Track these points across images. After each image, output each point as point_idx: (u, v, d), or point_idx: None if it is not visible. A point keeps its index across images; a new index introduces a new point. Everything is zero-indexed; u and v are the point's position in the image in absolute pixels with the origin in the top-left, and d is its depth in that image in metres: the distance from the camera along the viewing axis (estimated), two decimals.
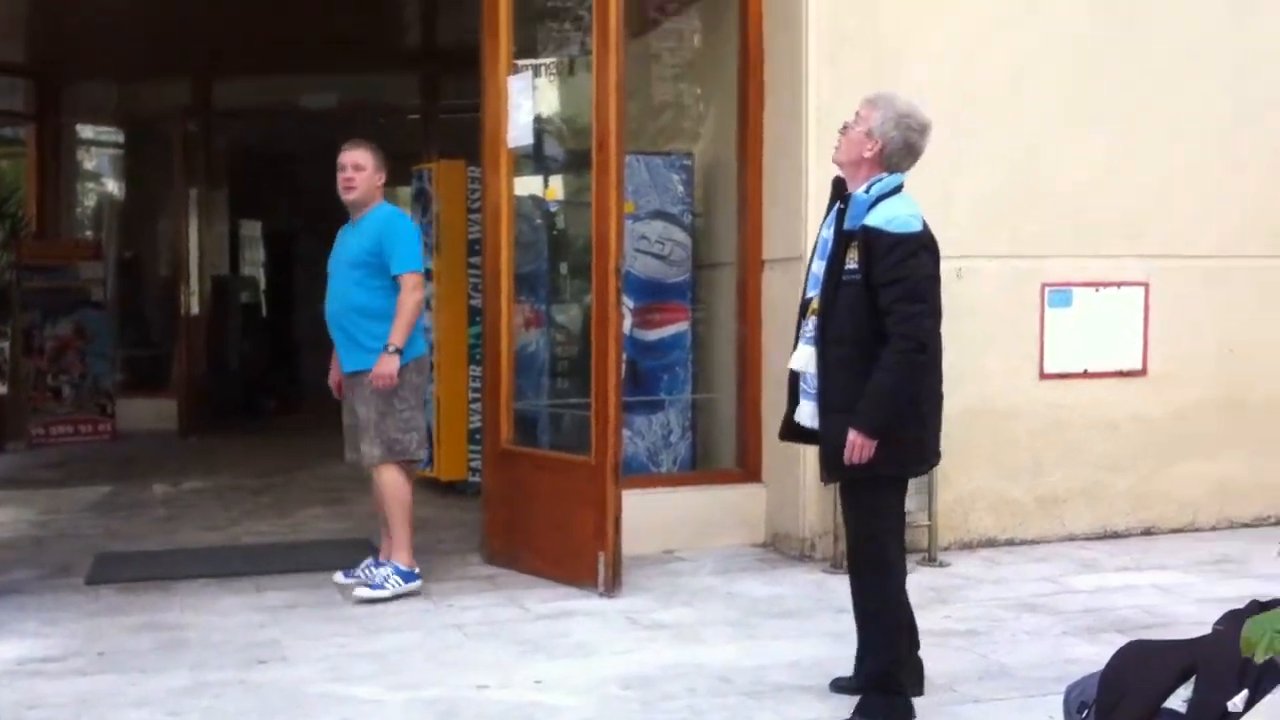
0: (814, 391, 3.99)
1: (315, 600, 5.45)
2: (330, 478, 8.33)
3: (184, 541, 6.73)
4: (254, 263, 15.28)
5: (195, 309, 11.39)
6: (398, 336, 5.41)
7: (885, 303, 3.78)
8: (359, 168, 5.59)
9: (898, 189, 3.94)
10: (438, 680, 4.36)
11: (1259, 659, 2.76)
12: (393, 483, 5.54)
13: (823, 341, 3.92)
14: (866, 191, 3.92)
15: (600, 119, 5.49)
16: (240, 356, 12.93)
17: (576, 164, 6.95)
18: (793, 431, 4.19)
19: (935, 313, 3.87)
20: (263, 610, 5.28)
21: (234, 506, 7.72)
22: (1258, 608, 3.31)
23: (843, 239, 3.91)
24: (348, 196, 5.62)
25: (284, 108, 12.50)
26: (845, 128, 4.06)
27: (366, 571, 5.60)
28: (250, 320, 13.75)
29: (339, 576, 5.67)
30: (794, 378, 4.13)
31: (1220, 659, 3.31)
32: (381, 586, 5.44)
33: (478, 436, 6.94)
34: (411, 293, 5.48)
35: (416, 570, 5.54)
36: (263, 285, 15.23)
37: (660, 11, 7.80)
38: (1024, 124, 6.42)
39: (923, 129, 4.04)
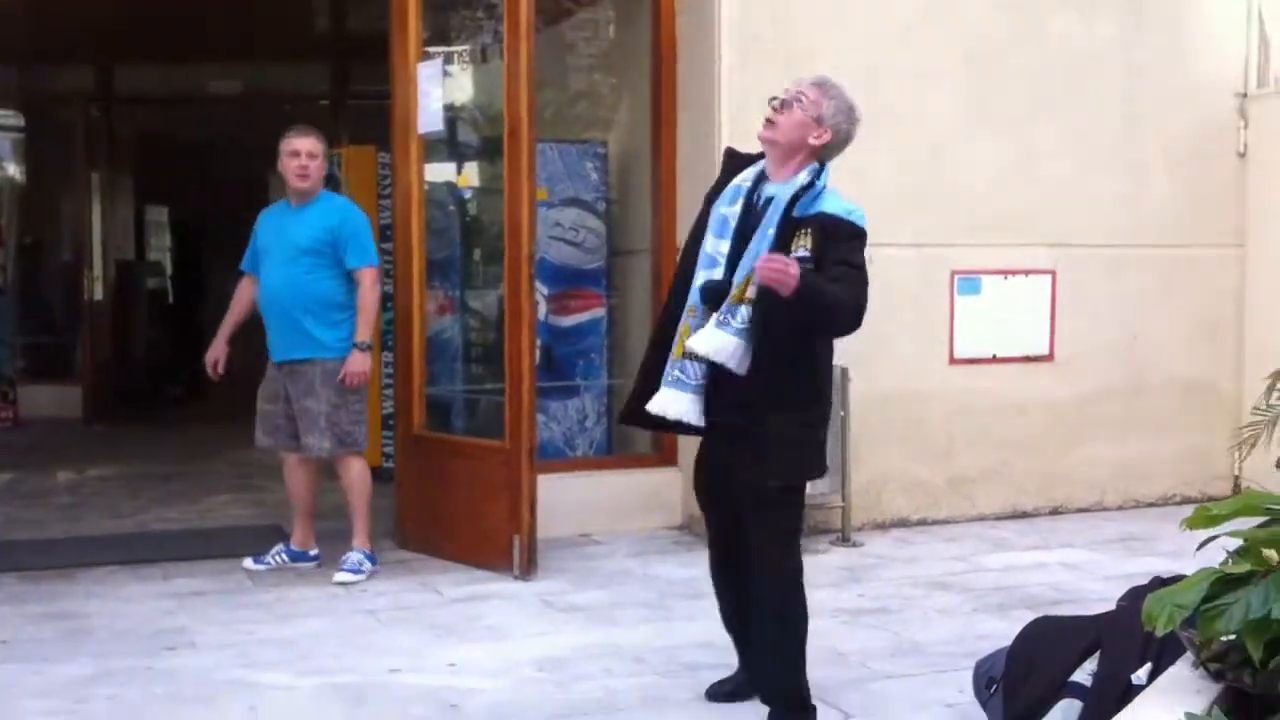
0: (702, 383, 3.63)
1: (224, 587, 5.36)
2: (239, 464, 8.21)
3: (89, 529, 6.59)
4: (160, 249, 14.99)
5: (99, 295, 11.14)
6: (366, 332, 5.46)
7: (834, 275, 3.56)
8: (313, 156, 5.52)
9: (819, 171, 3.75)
10: (349, 665, 4.32)
11: (1160, 633, 2.82)
12: (361, 474, 5.58)
13: (763, 332, 3.55)
14: (814, 180, 3.69)
15: (512, 106, 5.47)
16: (146, 343, 12.68)
17: (490, 151, 6.92)
18: (643, 418, 3.77)
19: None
20: (170, 597, 5.19)
21: (141, 494, 7.57)
22: (1160, 584, 3.39)
23: (791, 224, 3.63)
24: (302, 185, 5.53)
25: (190, 94, 12.27)
26: (784, 105, 3.74)
27: (278, 558, 5.61)
28: (156, 307, 13.49)
29: (249, 563, 5.62)
30: (658, 361, 3.72)
31: (1124, 634, 3.39)
32: (359, 570, 5.46)
33: (391, 422, 6.90)
34: (372, 288, 5.49)
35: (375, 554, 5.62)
36: (169, 271, 14.96)
37: (574, 1, 7.78)
38: (930, 122, 6.53)
39: (858, 122, 3.86)
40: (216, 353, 5.67)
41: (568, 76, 7.89)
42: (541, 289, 6.55)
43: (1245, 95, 7.16)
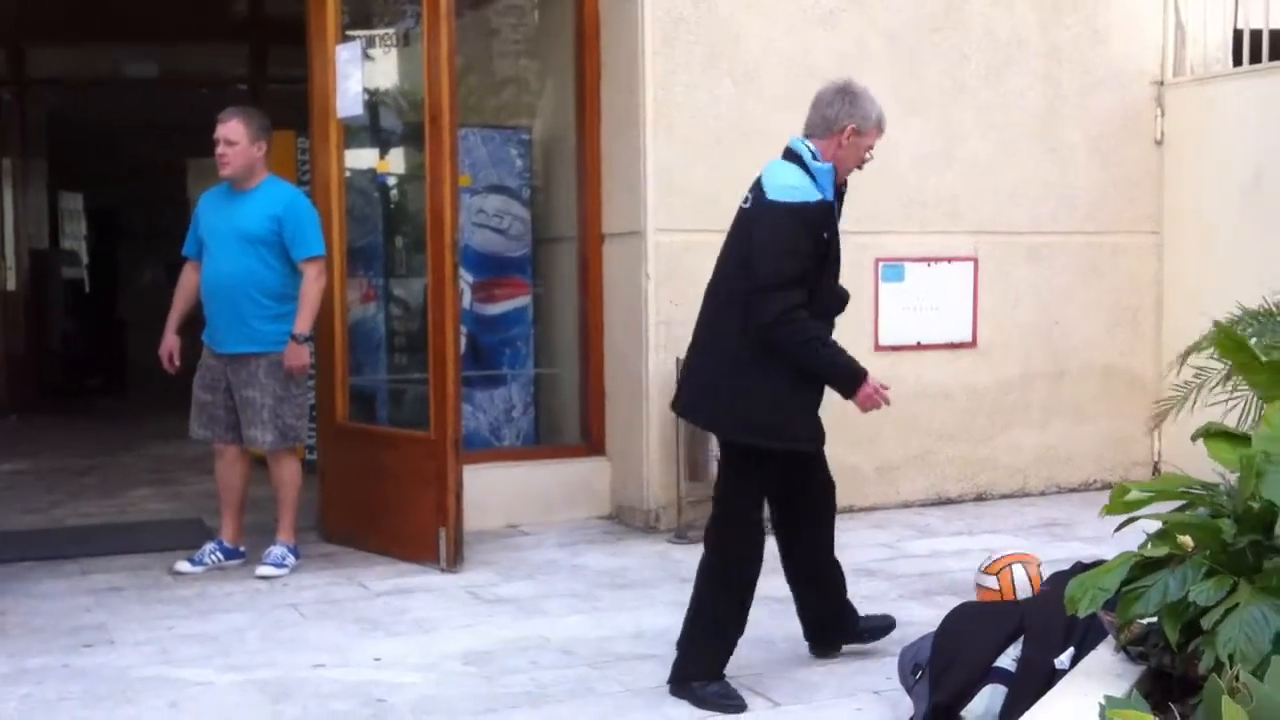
0: None
1: (144, 582, 5.26)
2: (159, 458, 8.06)
3: (3, 524, 6.43)
4: (76, 237, 14.67)
5: (12, 284, 10.89)
6: (305, 325, 5.36)
7: None
8: (230, 143, 5.36)
9: None
10: (271, 661, 4.25)
11: (1082, 615, 2.85)
12: (293, 470, 5.50)
13: None
14: None
15: (433, 92, 5.40)
16: (63, 334, 12.41)
17: (412, 137, 6.83)
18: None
19: None
20: (88, 593, 5.08)
21: (57, 488, 7.41)
22: (1081, 568, 3.43)
23: None
24: (223, 173, 5.42)
25: (105, 77, 12.00)
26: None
27: (213, 558, 5.48)
28: (73, 296, 13.20)
29: (183, 565, 5.45)
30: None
31: (1047, 618, 3.42)
32: (282, 564, 5.38)
33: (314, 413, 6.78)
34: (317, 280, 5.40)
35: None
36: (85, 260, 14.64)
37: None
38: None
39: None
40: (169, 345, 5.51)
41: (491, 62, 7.82)
42: (466, 277, 6.49)
43: (1162, 83, 7.27)
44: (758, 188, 3.90)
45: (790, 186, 3.83)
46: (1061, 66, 7.02)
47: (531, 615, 4.78)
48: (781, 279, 3.75)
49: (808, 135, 3.98)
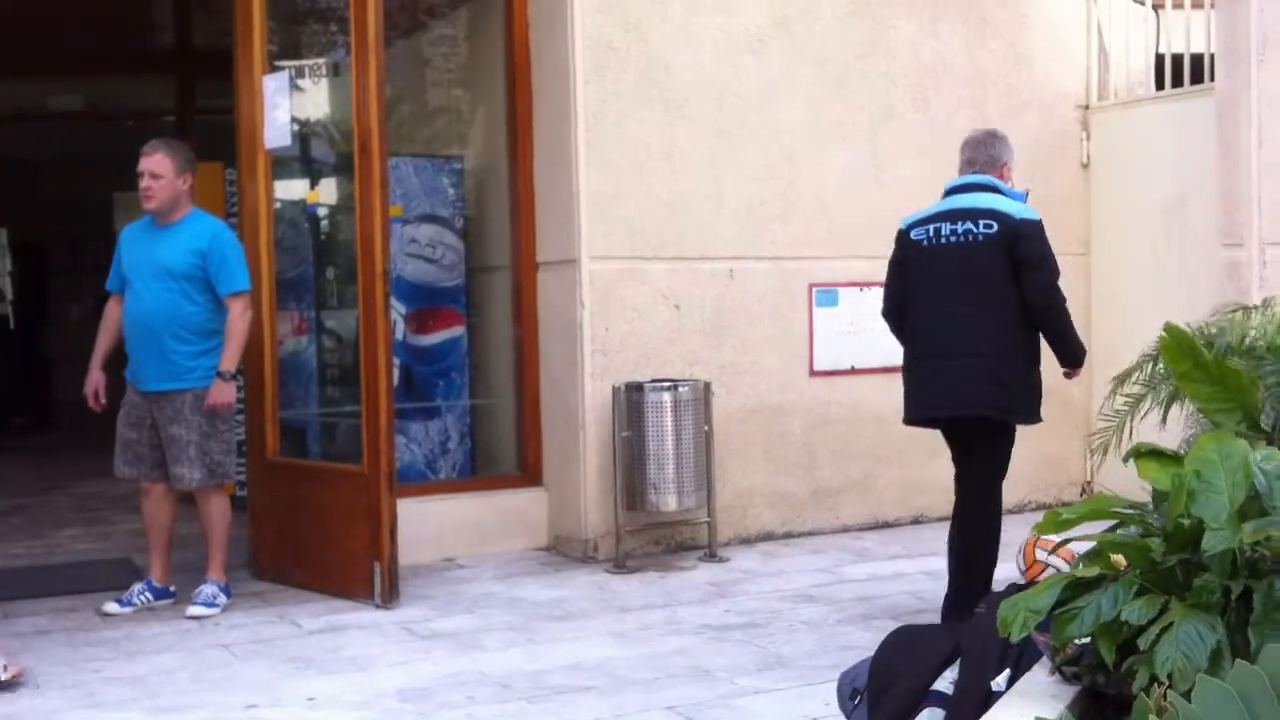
0: None
1: (70, 624, 5.13)
2: (87, 497, 7.89)
3: None
4: (0, 272, 14.37)
5: None
6: (231, 361, 5.29)
7: None
8: (156, 176, 5.28)
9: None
10: (202, 702, 4.16)
11: (1015, 638, 2.85)
12: (221, 507, 5.41)
13: None
14: None
15: (362, 121, 5.37)
16: None
17: (343, 167, 6.77)
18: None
19: (887, 294, 4.99)
20: (13, 637, 4.93)
21: None
22: (1015, 590, 3.44)
23: None
24: (147, 206, 5.32)
25: (30, 109, 11.80)
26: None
27: (142, 598, 5.36)
28: None
29: (111, 606, 5.32)
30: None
31: (983, 641, 3.42)
32: (213, 603, 5.28)
33: (244, 448, 6.68)
34: (242, 315, 5.32)
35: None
36: (10, 296, 14.34)
37: (429, 14, 7.69)
38: (783, 133, 6.60)
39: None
40: (95, 382, 5.39)
41: (423, 91, 7.79)
42: (399, 307, 6.44)
43: (1087, 107, 7.39)
44: (985, 215, 4.63)
45: (1025, 208, 4.71)
46: (987, 91, 7.11)
47: (468, 650, 4.71)
48: (1058, 274, 4.69)
49: (977, 171, 4.81)
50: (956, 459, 5.03)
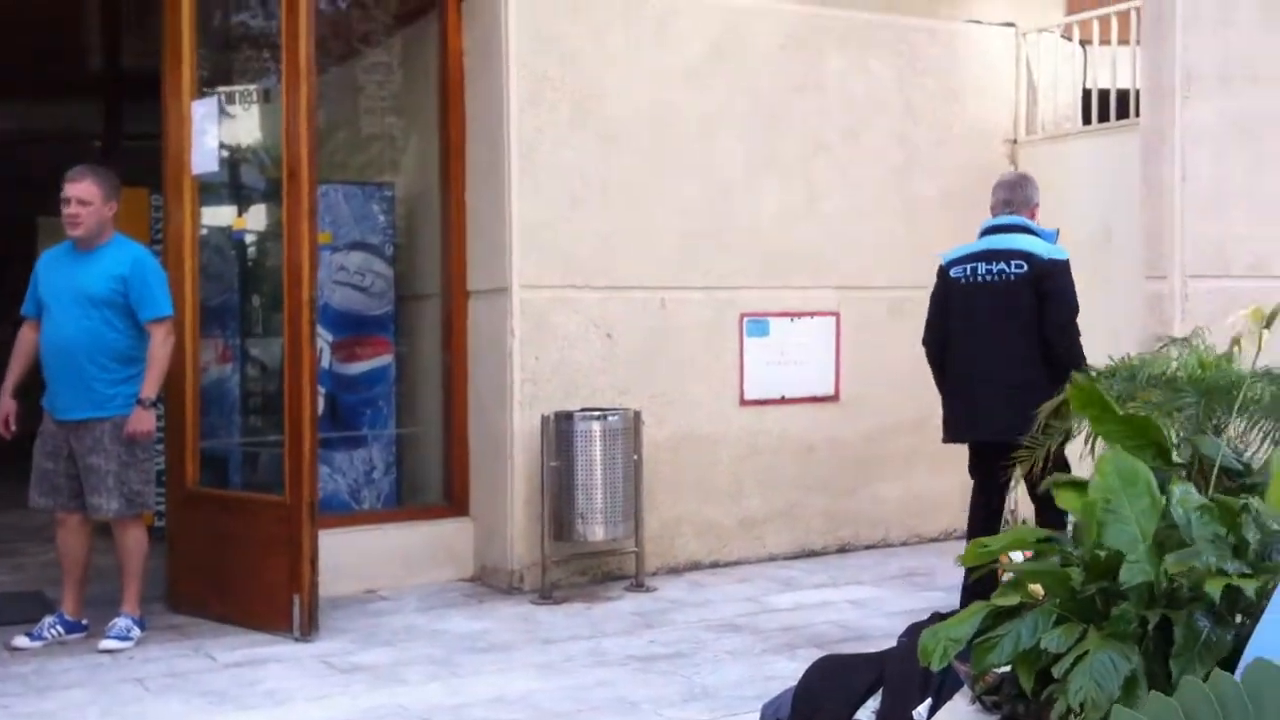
0: None
1: None
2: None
3: None
4: None
5: None
6: (152, 389, 5.19)
7: None
8: (84, 203, 5.17)
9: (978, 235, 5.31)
10: None
11: (935, 667, 2.84)
12: (138, 538, 5.29)
13: None
14: None
15: (291, 147, 5.31)
16: None
17: (272, 194, 6.70)
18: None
19: (929, 324, 5.41)
20: None
21: None
22: (938, 619, 3.43)
23: None
24: (73, 233, 5.20)
25: None
26: None
27: (53, 631, 5.21)
28: None
29: (21, 640, 5.16)
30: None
31: (905, 670, 3.41)
32: (127, 637, 5.14)
33: (164, 478, 6.55)
34: (164, 342, 5.21)
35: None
36: None
37: (363, 41, 7.64)
38: (716, 165, 6.60)
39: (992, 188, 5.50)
40: (4, 409, 5.26)
41: (356, 118, 7.73)
42: (325, 335, 6.35)
43: (1015, 141, 7.47)
44: (1017, 256, 5.07)
45: (1054, 247, 5.13)
46: (918, 125, 7.17)
47: (388, 683, 4.62)
48: (1076, 311, 5.09)
49: (1013, 212, 5.26)
50: (980, 476, 5.35)
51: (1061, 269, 5.09)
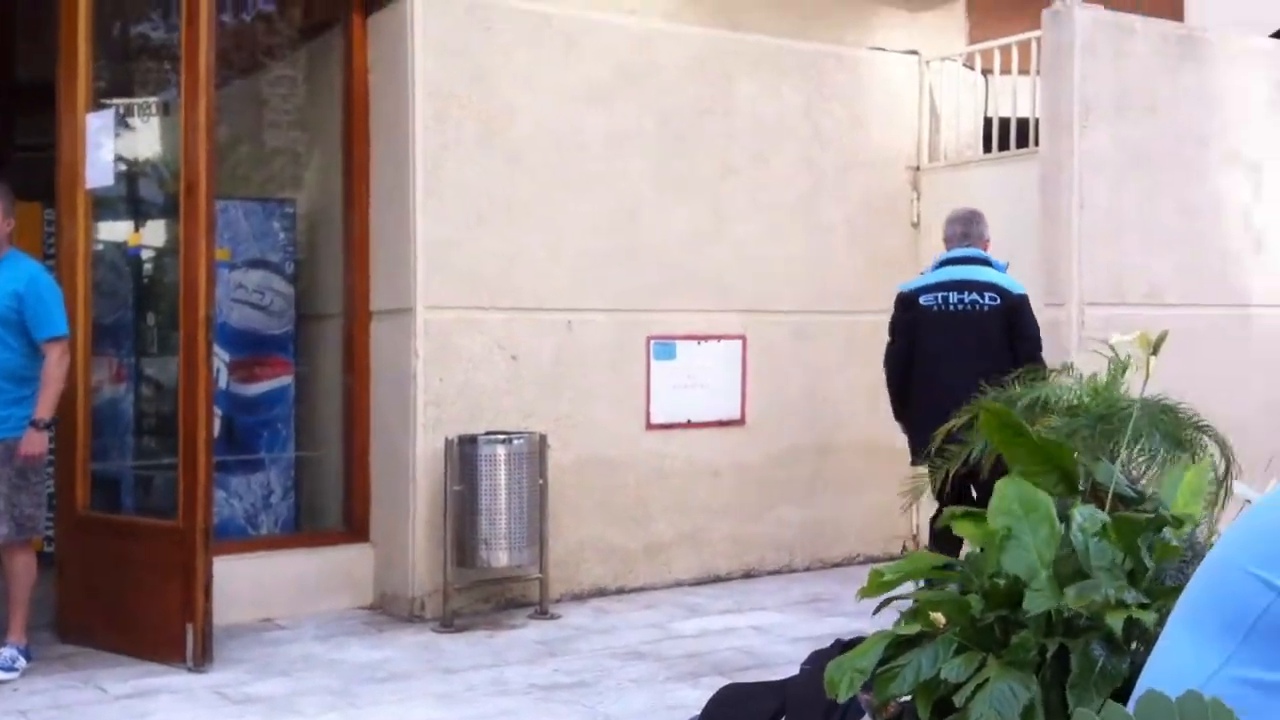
0: None
1: None
2: None
3: None
4: None
5: None
6: (47, 409, 5.05)
7: None
8: None
9: (935, 267, 5.64)
10: None
11: (842, 699, 2.82)
12: (27, 564, 5.12)
13: None
14: None
15: (189, 162, 5.19)
16: None
17: (169, 209, 6.54)
18: None
19: (887, 347, 5.67)
20: None
21: None
22: (841, 647, 3.42)
23: None
24: None
25: None
26: None
27: None
28: None
29: None
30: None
31: (807, 699, 3.40)
32: (11, 667, 4.96)
33: (54, 502, 6.34)
34: (60, 361, 5.07)
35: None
36: None
37: (268, 55, 7.52)
38: (624, 186, 6.58)
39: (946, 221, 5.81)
40: None
41: (259, 132, 7.59)
42: (223, 355, 6.21)
43: (918, 168, 7.57)
44: (989, 288, 5.43)
45: (1015, 282, 5.52)
46: (824, 151, 7.23)
47: (283, 714, 4.51)
48: (1040, 341, 5.47)
49: (970, 244, 5.61)
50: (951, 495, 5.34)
51: (1027, 302, 5.47)
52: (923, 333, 5.49)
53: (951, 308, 5.45)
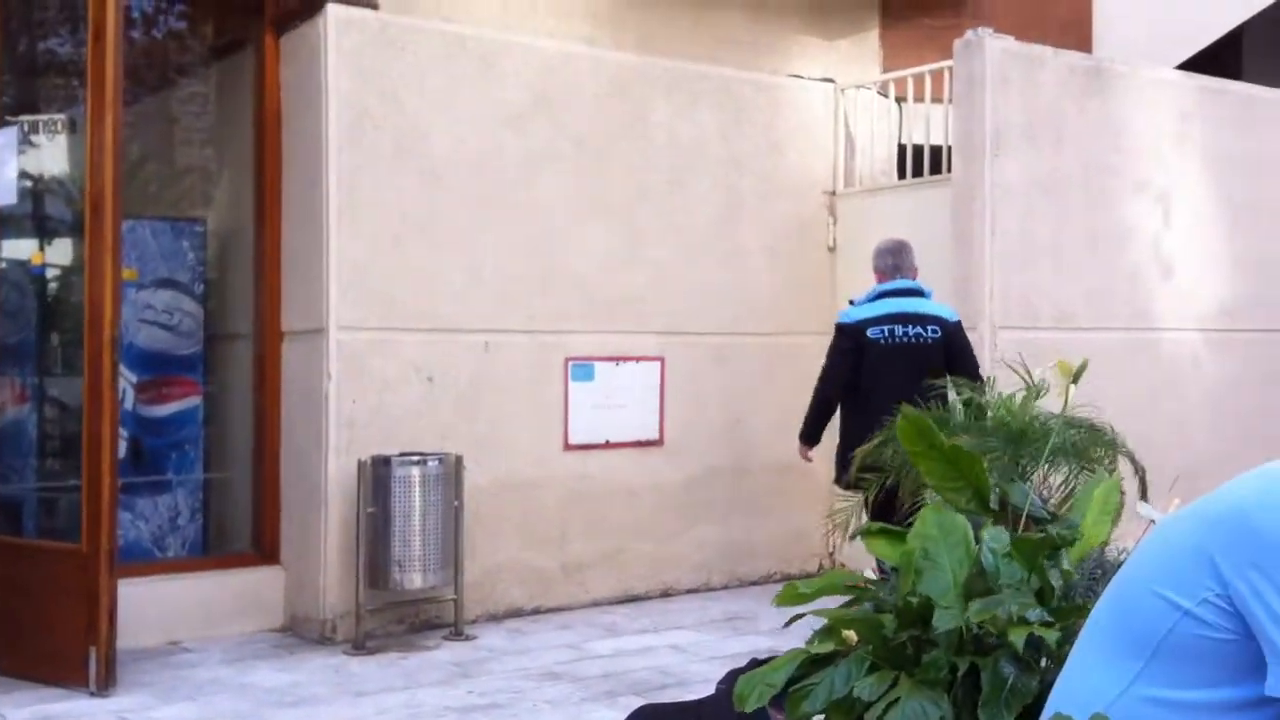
0: None
1: None
2: None
3: None
4: None
5: None
6: None
7: None
8: None
9: (871, 299, 5.85)
10: None
11: (749, 710, 2.82)
12: None
13: None
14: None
15: (95, 180, 5.10)
16: None
17: (75, 227, 6.40)
18: None
19: (827, 371, 5.90)
20: None
21: None
22: (756, 665, 3.42)
23: None
24: None
25: None
26: None
27: None
28: None
29: None
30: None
31: (722, 718, 3.39)
32: None
33: None
34: None
35: None
36: None
37: (179, 72, 7.41)
38: (540, 208, 6.56)
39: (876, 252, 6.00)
40: None
41: (169, 150, 7.48)
42: (129, 376, 6.09)
43: (834, 193, 7.64)
44: (931, 321, 5.74)
45: (950, 309, 5.91)
46: (741, 175, 7.28)
47: None
48: (977, 363, 5.84)
49: (904, 275, 5.86)
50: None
51: (961, 327, 5.84)
52: (870, 364, 5.71)
53: (898, 340, 5.72)
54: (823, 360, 7.64)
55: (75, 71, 6.90)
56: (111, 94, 5.08)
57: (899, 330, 5.74)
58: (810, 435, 5.98)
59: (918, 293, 5.87)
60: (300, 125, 6.18)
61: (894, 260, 5.92)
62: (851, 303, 6.00)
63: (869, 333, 5.75)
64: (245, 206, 6.53)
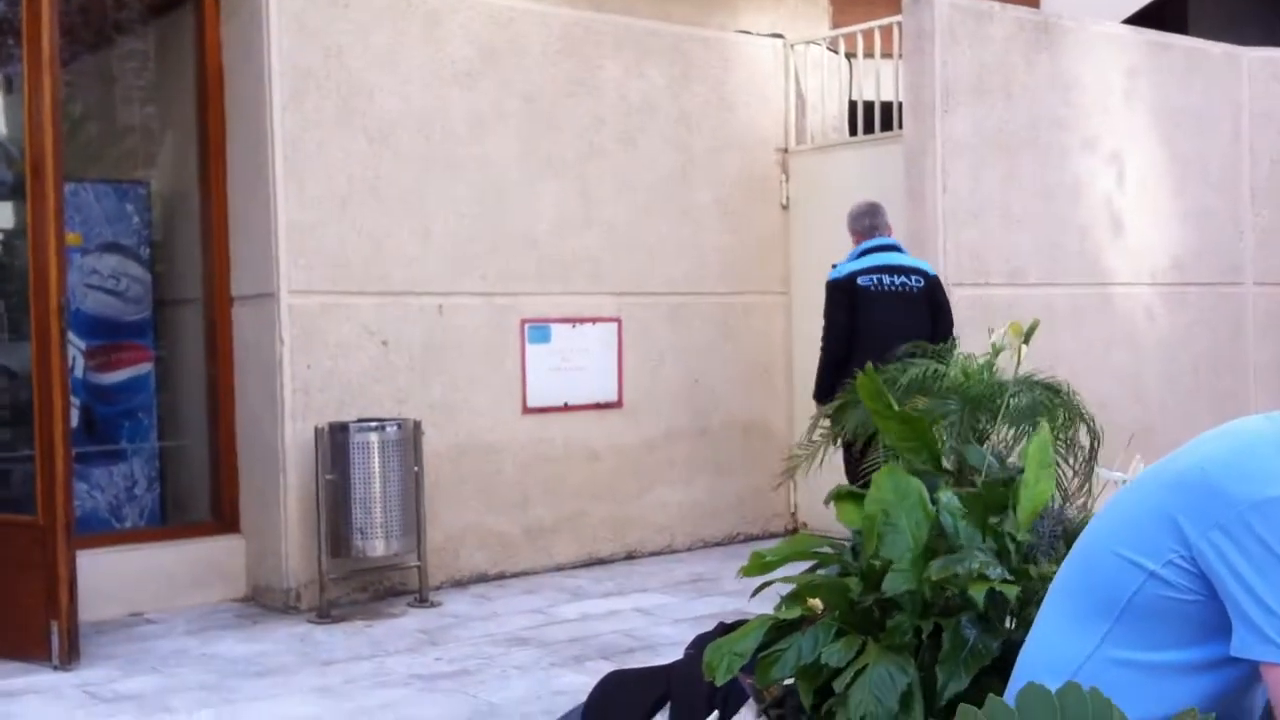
0: None
1: None
2: None
3: None
4: None
5: None
6: None
7: None
8: None
9: (855, 256, 6.03)
10: None
11: (719, 682, 2.84)
12: None
13: None
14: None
15: (34, 142, 4.98)
16: None
17: (15, 192, 6.28)
18: None
19: (830, 328, 5.97)
20: None
21: None
22: (724, 629, 3.45)
23: None
24: None
25: None
26: None
27: None
28: None
29: None
30: None
31: (691, 684, 3.41)
32: None
33: None
34: None
35: None
36: None
37: (117, 29, 7.25)
38: (490, 167, 6.49)
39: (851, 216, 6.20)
40: None
41: (110, 110, 7.32)
42: (78, 343, 6.00)
43: (786, 150, 7.64)
44: (914, 272, 5.98)
45: (929, 264, 6.18)
46: (692, 132, 7.24)
47: (155, 713, 4.38)
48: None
49: (881, 234, 6.09)
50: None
51: (940, 283, 6.09)
52: (864, 309, 5.90)
53: (887, 288, 5.94)
54: (779, 319, 7.72)
55: (10, 30, 6.74)
56: (49, 52, 4.95)
57: (886, 279, 5.96)
58: (824, 393, 5.96)
59: (897, 248, 6.11)
60: (242, 85, 6.07)
61: (870, 221, 6.12)
62: (834, 266, 6.07)
63: (859, 280, 5.94)
64: (189, 168, 6.42)
